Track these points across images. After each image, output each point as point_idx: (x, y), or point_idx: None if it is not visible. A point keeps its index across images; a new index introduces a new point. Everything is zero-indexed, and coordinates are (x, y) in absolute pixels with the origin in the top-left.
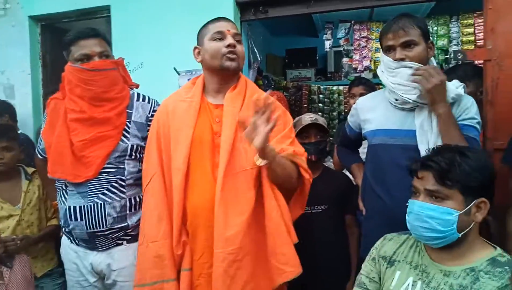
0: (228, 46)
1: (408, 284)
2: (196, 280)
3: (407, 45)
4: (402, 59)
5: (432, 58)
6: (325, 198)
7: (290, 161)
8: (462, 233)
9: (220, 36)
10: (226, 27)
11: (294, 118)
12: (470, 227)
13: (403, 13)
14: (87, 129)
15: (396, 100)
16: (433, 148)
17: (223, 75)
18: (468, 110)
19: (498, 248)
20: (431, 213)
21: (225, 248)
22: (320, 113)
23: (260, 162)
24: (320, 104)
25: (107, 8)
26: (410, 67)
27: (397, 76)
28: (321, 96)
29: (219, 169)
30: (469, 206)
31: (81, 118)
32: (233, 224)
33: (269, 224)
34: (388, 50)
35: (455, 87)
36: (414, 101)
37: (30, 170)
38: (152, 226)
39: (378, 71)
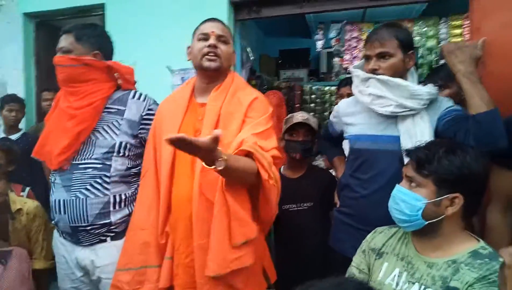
0: (209, 46)
1: (395, 275)
2: (175, 269)
3: (382, 56)
4: (375, 70)
5: (412, 69)
6: (311, 196)
7: (248, 154)
8: (429, 222)
9: (205, 37)
10: (211, 28)
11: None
12: (439, 217)
13: (387, 23)
14: (62, 118)
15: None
16: (430, 141)
17: (206, 74)
18: (448, 103)
19: (481, 241)
20: (403, 196)
21: (203, 239)
22: (312, 113)
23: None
24: (312, 104)
25: (101, 6)
26: (378, 79)
27: (370, 86)
28: (313, 96)
29: (196, 165)
30: (440, 198)
31: (55, 105)
32: (209, 217)
33: (214, 218)
34: (366, 59)
35: (428, 89)
36: (392, 112)
37: (14, 205)
38: (143, 215)
39: (354, 90)
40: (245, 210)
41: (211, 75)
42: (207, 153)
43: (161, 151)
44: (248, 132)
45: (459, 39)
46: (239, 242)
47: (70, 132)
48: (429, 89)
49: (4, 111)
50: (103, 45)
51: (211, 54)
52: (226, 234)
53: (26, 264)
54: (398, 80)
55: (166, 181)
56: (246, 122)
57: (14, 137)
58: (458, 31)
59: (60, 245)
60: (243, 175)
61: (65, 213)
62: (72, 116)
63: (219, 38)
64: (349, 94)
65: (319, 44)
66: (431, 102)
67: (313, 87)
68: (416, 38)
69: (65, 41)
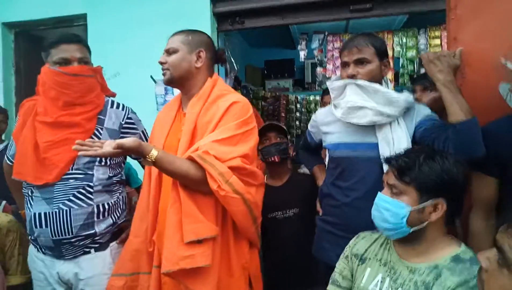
0: (160, 63)
1: (378, 281)
2: (163, 277)
3: (360, 62)
4: (354, 75)
5: (386, 77)
6: (296, 202)
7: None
8: (414, 229)
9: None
10: (166, 46)
11: None
12: (423, 224)
13: (363, 32)
14: (54, 131)
15: None
16: (408, 148)
17: (174, 86)
18: (425, 111)
19: (463, 245)
20: (386, 205)
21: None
22: (297, 122)
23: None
24: (298, 114)
25: (83, 17)
26: (356, 85)
27: (347, 94)
28: (298, 105)
29: None
30: (422, 205)
31: (48, 121)
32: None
33: (167, 212)
34: (343, 66)
35: (405, 96)
36: (369, 121)
37: None
38: (136, 223)
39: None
40: (200, 208)
41: (174, 86)
42: (132, 153)
43: None
44: (208, 139)
45: (438, 49)
46: (189, 239)
47: None
48: (405, 97)
49: None
50: None
51: (162, 70)
52: (178, 230)
53: (1, 284)
54: (376, 86)
55: (154, 191)
56: (218, 127)
57: None
58: (437, 41)
59: (38, 261)
60: (183, 178)
61: (46, 226)
62: (83, 127)
63: (167, 51)
64: None
65: (302, 54)
66: (408, 110)
67: (298, 97)
68: (397, 49)
69: (80, 52)
